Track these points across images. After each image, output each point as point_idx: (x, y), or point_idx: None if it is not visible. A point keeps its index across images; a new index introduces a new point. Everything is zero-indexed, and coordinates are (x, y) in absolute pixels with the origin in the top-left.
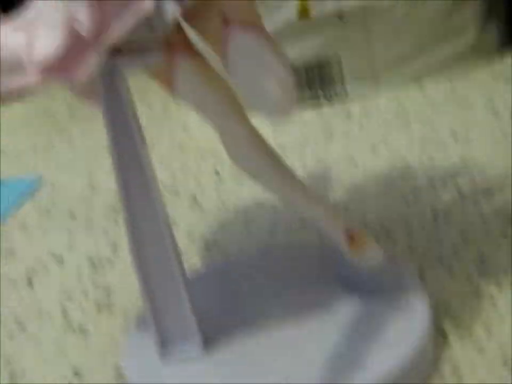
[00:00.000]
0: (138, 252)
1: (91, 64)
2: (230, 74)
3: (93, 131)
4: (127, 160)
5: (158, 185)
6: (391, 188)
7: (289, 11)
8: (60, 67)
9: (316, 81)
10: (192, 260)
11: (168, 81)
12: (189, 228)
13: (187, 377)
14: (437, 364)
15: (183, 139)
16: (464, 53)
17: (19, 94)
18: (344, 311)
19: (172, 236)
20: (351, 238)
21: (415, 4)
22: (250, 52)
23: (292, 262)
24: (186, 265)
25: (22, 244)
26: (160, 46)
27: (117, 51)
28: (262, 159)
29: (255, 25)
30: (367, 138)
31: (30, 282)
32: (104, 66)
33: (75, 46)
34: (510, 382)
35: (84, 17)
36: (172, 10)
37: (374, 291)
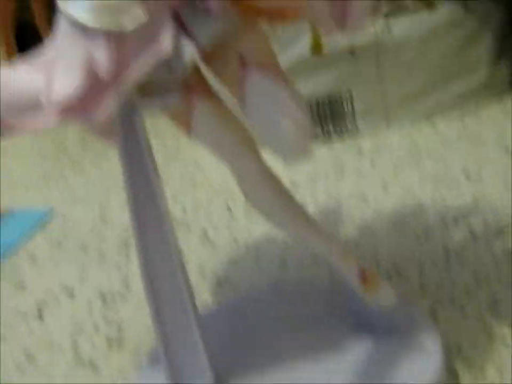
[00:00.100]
0: (151, 287)
1: (110, 105)
2: (247, 116)
3: (105, 163)
4: (142, 197)
5: (171, 222)
6: (403, 225)
7: (303, 47)
8: (78, 108)
9: (328, 116)
10: (203, 295)
11: (185, 122)
12: (200, 263)
13: None
14: None
15: (195, 174)
16: (476, 90)
17: (36, 132)
18: (356, 350)
19: (185, 271)
20: (363, 277)
21: (427, 41)
22: (267, 93)
23: (303, 298)
24: (197, 301)
25: (33, 276)
26: (179, 87)
27: (135, 92)
28: (275, 197)
29: (271, 67)
30: (379, 174)
31: (40, 315)
32: (123, 107)
33: (94, 87)
34: None
35: (102, 58)
36: (190, 52)
37: (386, 329)
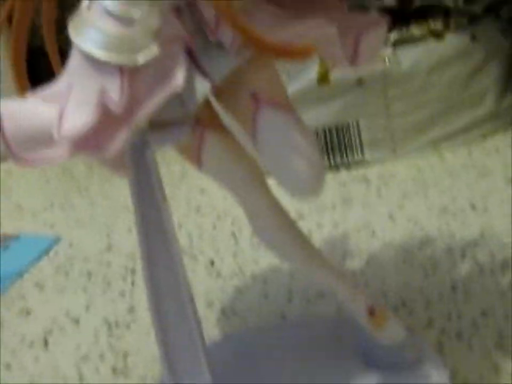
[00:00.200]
0: (158, 316)
1: (122, 139)
2: (258, 152)
3: (111, 190)
4: (152, 230)
5: (180, 255)
6: (409, 257)
7: (309, 77)
8: (90, 142)
9: (335, 146)
10: (209, 326)
11: (195, 156)
12: (206, 293)
13: None
14: None
15: (200, 201)
16: (482, 121)
17: (49, 164)
18: (364, 383)
19: (193, 301)
20: (371, 310)
21: (435, 71)
22: (278, 130)
23: (310, 333)
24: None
25: (38, 302)
26: (190, 122)
27: (147, 126)
28: (283, 231)
29: (283, 103)
30: (385, 205)
31: (45, 343)
32: (135, 141)
33: (106, 122)
34: None
35: (115, 93)
36: (202, 87)
37: (393, 362)
